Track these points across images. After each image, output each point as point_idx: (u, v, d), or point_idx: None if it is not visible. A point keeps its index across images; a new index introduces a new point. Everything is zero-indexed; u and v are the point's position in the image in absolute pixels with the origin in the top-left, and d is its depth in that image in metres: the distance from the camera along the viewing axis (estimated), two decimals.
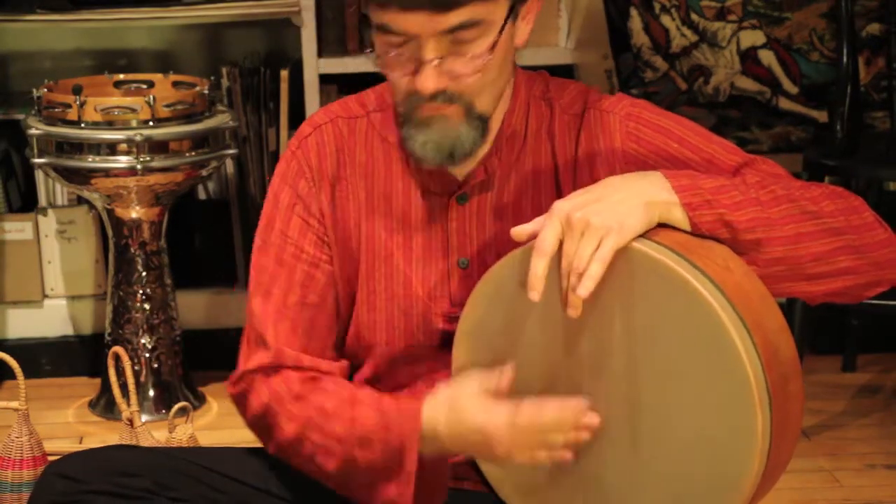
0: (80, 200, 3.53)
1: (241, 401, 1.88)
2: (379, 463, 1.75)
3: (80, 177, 3.18)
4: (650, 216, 1.63)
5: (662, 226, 1.65)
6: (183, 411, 2.69)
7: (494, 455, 1.70)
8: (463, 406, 1.70)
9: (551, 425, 1.67)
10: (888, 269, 1.74)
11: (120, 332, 3.32)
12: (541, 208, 1.77)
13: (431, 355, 1.85)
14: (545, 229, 1.62)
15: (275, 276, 1.86)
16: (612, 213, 1.61)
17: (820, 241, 1.69)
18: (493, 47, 1.71)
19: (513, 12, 1.73)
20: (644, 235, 1.62)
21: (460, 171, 1.84)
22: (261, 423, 1.86)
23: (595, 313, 1.64)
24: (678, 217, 1.65)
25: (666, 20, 3.56)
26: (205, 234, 3.64)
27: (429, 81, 1.71)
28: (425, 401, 1.73)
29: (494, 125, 1.83)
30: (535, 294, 1.62)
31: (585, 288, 1.59)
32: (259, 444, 1.97)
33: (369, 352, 1.89)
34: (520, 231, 1.66)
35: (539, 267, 1.61)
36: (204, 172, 3.26)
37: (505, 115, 1.83)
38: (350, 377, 1.91)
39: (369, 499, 1.79)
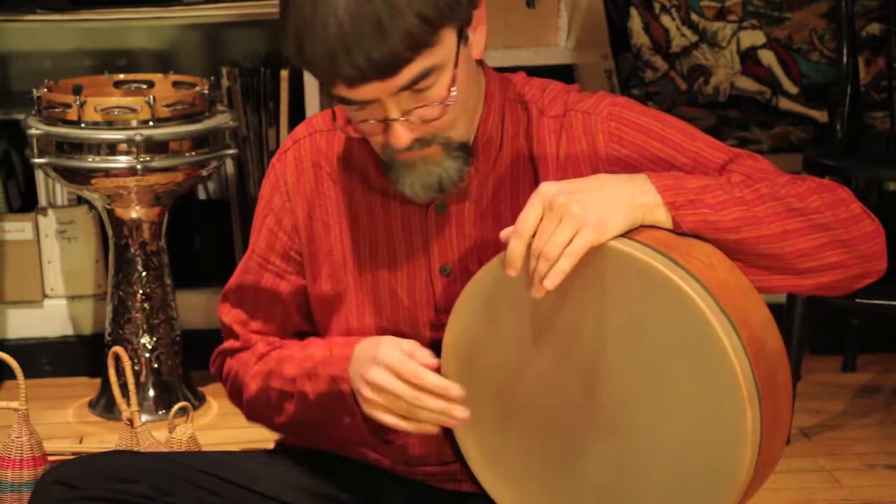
0: (80, 200, 3.53)
1: (218, 375, 2.01)
2: (326, 394, 1.81)
3: (80, 177, 3.18)
4: (632, 218, 1.63)
5: (646, 227, 1.65)
6: (183, 411, 2.69)
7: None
8: (383, 342, 1.76)
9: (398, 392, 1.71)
10: (876, 261, 1.73)
11: (120, 332, 3.32)
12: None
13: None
14: (526, 209, 1.62)
15: (242, 283, 1.95)
16: (594, 208, 1.60)
17: (807, 237, 1.68)
18: (452, 84, 1.70)
19: (461, 37, 1.71)
20: (626, 235, 1.62)
21: None
22: (233, 390, 1.97)
23: (580, 314, 1.64)
24: (661, 217, 1.65)
25: (666, 20, 3.56)
26: (205, 234, 3.64)
27: (401, 138, 1.71)
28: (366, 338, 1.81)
29: (475, 150, 1.82)
30: (513, 271, 1.62)
31: (552, 281, 1.59)
32: (256, 447, 1.98)
33: None
34: (507, 233, 1.66)
35: (517, 247, 1.62)
36: (204, 172, 3.26)
37: (479, 122, 1.82)
38: None
39: (334, 432, 1.85)
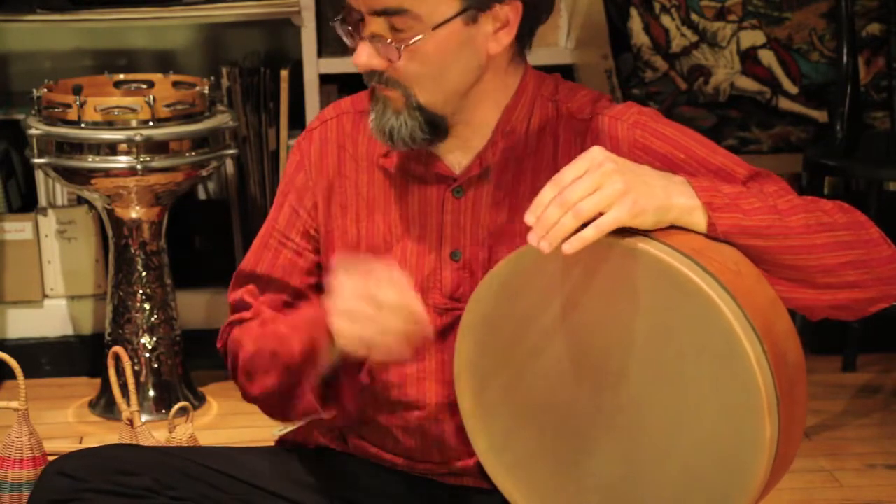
0: (80, 200, 3.53)
1: (224, 349, 1.95)
2: (306, 349, 1.76)
3: (80, 177, 3.18)
4: (666, 214, 1.63)
5: (676, 228, 1.65)
6: (183, 411, 2.69)
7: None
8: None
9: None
10: (892, 286, 1.75)
11: (120, 332, 3.32)
12: None
13: (423, 346, 1.85)
14: (572, 164, 1.63)
15: (260, 258, 1.94)
16: (636, 189, 1.60)
17: (833, 252, 1.69)
18: (413, 41, 1.73)
19: (465, 15, 1.73)
20: (655, 238, 1.62)
21: (458, 164, 1.84)
22: (233, 361, 1.91)
23: (604, 314, 1.64)
24: (697, 220, 1.65)
25: (666, 20, 3.56)
26: (205, 234, 3.64)
27: (360, 56, 1.76)
28: None
29: (488, 121, 1.83)
30: (532, 217, 1.61)
31: (572, 246, 1.58)
32: (260, 444, 1.97)
33: None
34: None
35: (548, 194, 1.61)
36: (204, 172, 3.26)
37: (504, 109, 1.83)
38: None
39: (313, 389, 1.79)
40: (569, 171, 1.62)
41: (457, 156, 1.84)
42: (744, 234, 1.66)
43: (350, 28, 1.77)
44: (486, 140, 1.83)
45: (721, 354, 1.57)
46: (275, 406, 1.89)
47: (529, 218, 1.61)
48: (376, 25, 1.74)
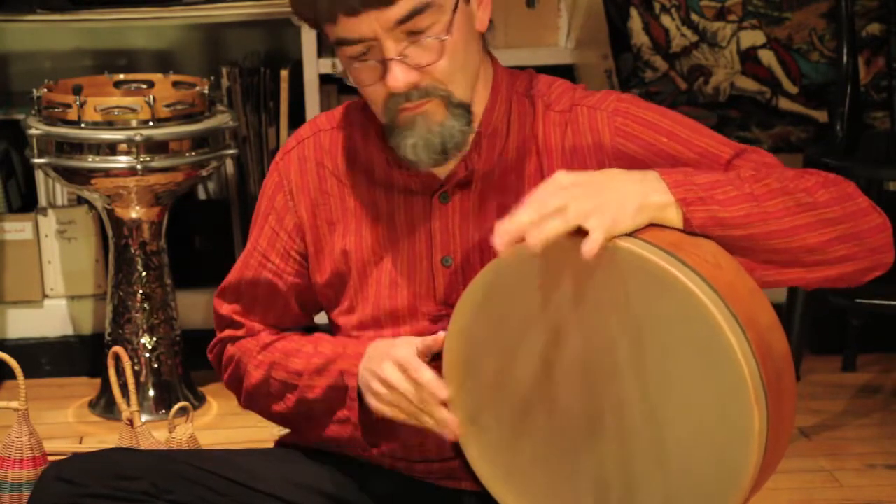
0: (80, 200, 3.53)
1: (216, 361, 2.02)
2: (330, 387, 1.83)
3: (80, 177, 3.18)
4: (642, 217, 1.63)
5: (654, 225, 1.65)
6: (183, 411, 2.69)
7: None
8: (398, 342, 1.78)
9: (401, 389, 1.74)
10: (884, 254, 1.74)
11: (120, 332, 3.32)
12: None
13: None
14: (539, 191, 1.62)
15: (241, 279, 1.96)
16: (607, 204, 1.60)
17: (817, 231, 1.68)
18: (449, 27, 1.72)
19: None
20: (634, 235, 1.62)
21: (442, 170, 1.84)
22: (233, 377, 1.98)
23: (587, 313, 1.64)
24: (672, 216, 1.65)
25: (666, 20, 3.56)
26: (205, 234, 3.64)
27: (399, 79, 1.72)
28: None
29: (475, 118, 1.82)
30: (504, 234, 1.61)
31: (535, 238, 1.58)
32: (259, 445, 1.97)
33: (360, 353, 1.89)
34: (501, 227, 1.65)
35: (524, 214, 1.61)
36: (204, 172, 3.26)
37: (484, 112, 1.83)
38: None
39: (326, 425, 1.86)
40: (538, 195, 1.62)
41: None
42: (720, 225, 1.66)
43: (369, 61, 1.73)
44: (469, 144, 1.82)
45: (705, 347, 1.57)
46: (285, 426, 1.96)
47: (496, 240, 1.61)
48: (399, 40, 1.71)
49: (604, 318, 1.64)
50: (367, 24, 1.69)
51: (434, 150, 1.77)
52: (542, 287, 1.65)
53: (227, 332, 1.99)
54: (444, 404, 1.73)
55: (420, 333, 1.84)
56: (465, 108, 1.78)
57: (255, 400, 1.96)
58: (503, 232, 1.61)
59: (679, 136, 1.79)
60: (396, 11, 1.69)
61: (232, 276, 1.98)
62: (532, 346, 1.69)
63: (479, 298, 1.71)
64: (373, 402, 1.77)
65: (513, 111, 1.84)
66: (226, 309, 1.98)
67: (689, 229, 1.65)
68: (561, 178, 1.63)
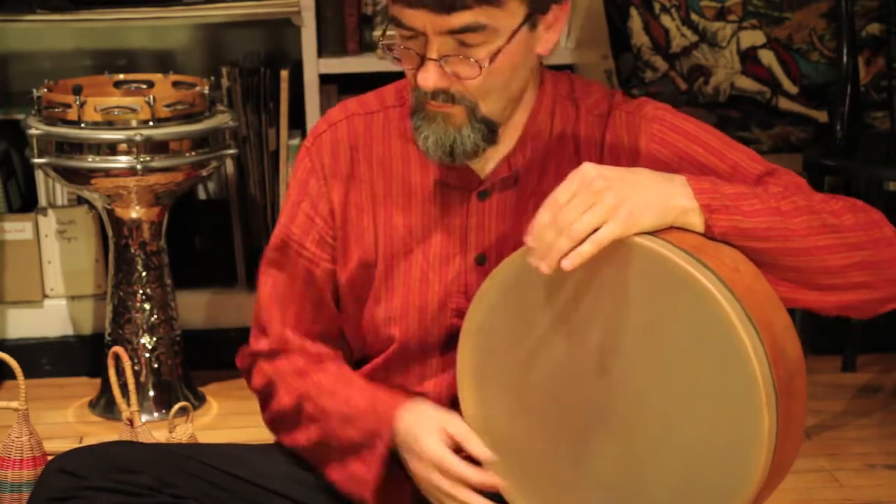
0: (80, 200, 3.53)
1: (246, 374, 1.99)
2: (356, 441, 1.82)
3: (80, 177, 3.18)
4: (664, 218, 1.64)
5: (676, 228, 1.65)
6: (183, 411, 2.69)
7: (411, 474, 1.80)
8: (425, 428, 1.77)
9: (442, 489, 1.74)
10: None
11: (120, 332, 3.32)
12: None
13: (442, 352, 1.86)
14: (563, 184, 1.64)
15: (279, 268, 1.92)
16: (628, 201, 1.62)
17: (838, 254, 1.69)
18: (495, 55, 1.72)
19: (529, 21, 1.73)
20: (654, 234, 1.62)
21: (482, 168, 1.84)
22: (262, 393, 1.94)
23: (602, 309, 1.65)
24: (695, 221, 1.66)
25: (666, 20, 3.56)
26: (205, 234, 3.64)
27: (429, 79, 1.73)
28: (410, 403, 1.80)
29: (517, 123, 1.83)
30: (531, 240, 1.64)
31: (571, 262, 1.61)
32: (259, 442, 1.97)
33: (383, 346, 1.90)
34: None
35: (544, 217, 1.63)
36: (204, 172, 3.26)
37: (530, 113, 1.84)
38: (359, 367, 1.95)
39: (337, 472, 1.86)
40: (562, 192, 1.64)
41: (481, 159, 1.83)
42: (742, 236, 1.66)
43: (412, 50, 1.73)
44: (513, 143, 1.83)
45: (718, 347, 1.57)
46: (299, 453, 1.93)
47: (529, 240, 1.64)
48: (445, 44, 1.71)
49: (619, 315, 1.64)
50: (420, 20, 1.70)
51: (443, 150, 1.77)
52: (559, 282, 1.66)
53: (260, 346, 1.94)
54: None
55: (444, 328, 1.85)
56: (489, 125, 1.78)
57: (278, 424, 1.94)
58: (536, 250, 1.63)
59: (713, 147, 1.81)
60: (451, 22, 1.69)
61: (267, 279, 1.93)
62: (545, 343, 1.70)
63: (494, 296, 1.72)
64: (422, 489, 1.79)
65: (556, 114, 1.85)
66: (266, 299, 1.92)
67: (710, 236, 1.66)
68: (588, 170, 1.64)
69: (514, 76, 1.77)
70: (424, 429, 1.77)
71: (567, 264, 1.60)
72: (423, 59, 1.73)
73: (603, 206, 1.61)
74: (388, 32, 1.78)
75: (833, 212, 1.71)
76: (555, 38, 1.79)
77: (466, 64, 1.72)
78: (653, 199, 1.63)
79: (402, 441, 1.79)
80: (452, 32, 1.70)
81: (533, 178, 1.84)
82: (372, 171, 1.88)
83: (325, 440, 1.86)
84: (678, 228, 1.65)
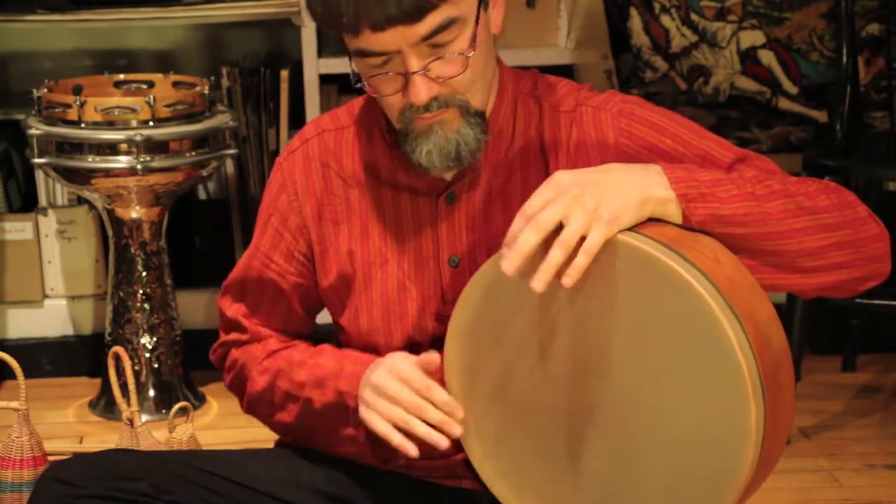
0: (80, 200, 3.53)
1: (220, 363, 2.02)
2: (331, 405, 1.83)
3: (80, 177, 3.18)
4: (643, 211, 1.64)
5: (653, 220, 1.65)
6: (183, 411, 2.69)
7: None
8: (397, 357, 1.79)
9: (404, 401, 1.73)
10: (881, 263, 1.75)
11: (120, 332, 3.32)
12: None
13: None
14: (537, 193, 1.63)
15: (245, 278, 1.96)
16: (606, 201, 1.61)
17: (815, 236, 1.69)
18: (473, 41, 1.72)
19: (483, 1, 1.74)
20: (633, 229, 1.62)
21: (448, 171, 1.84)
22: (236, 380, 1.98)
23: (586, 307, 1.65)
24: (672, 211, 1.66)
25: (666, 20, 3.56)
26: (205, 234, 3.64)
27: (421, 92, 1.72)
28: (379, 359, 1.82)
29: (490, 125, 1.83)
30: (506, 249, 1.62)
31: (571, 279, 1.59)
32: (260, 445, 1.97)
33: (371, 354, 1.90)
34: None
35: (517, 226, 1.62)
36: (204, 172, 3.26)
37: (490, 113, 1.83)
38: None
39: (333, 442, 1.87)
40: (535, 199, 1.62)
41: None
42: (720, 223, 1.66)
43: (392, 72, 1.72)
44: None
45: (703, 340, 1.58)
46: (287, 436, 1.96)
47: (504, 250, 1.62)
48: (421, 54, 1.71)
49: (602, 312, 1.64)
50: (391, 39, 1.69)
51: (448, 157, 1.77)
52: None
53: (233, 336, 1.98)
54: (461, 422, 1.73)
55: (427, 334, 1.86)
56: (481, 116, 1.78)
57: (258, 407, 1.96)
58: (511, 256, 1.61)
59: (682, 138, 1.80)
60: (423, 28, 1.68)
61: (235, 274, 1.98)
62: (531, 343, 1.70)
63: (477, 298, 1.71)
64: (363, 413, 1.77)
65: (518, 112, 1.85)
66: (232, 311, 1.98)
67: (688, 225, 1.66)
68: (560, 177, 1.63)
69: (489, 60, 1.77)
70: (396, 357, 1.78)
71: (568, 282, 1.59)
72: (406, 77, 1.72)
73: (584, 211, 1.59)
74: (355, 69, 1.76)
75: (807, 194, 1.71)
76: (501, 15, 1.80)
77: (449, 63, 1.72)
78: (630, 194, 1.63)
79: (366, 377, 1.79)
80: (424, 39, 1.69)
81: (499, 179, 1.84)
82: (345, 185, 1.89)
83: (304, 412, 1.88)
84: (656, 220, 1.65)
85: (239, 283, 1.97)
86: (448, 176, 1.84)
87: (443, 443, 1.72)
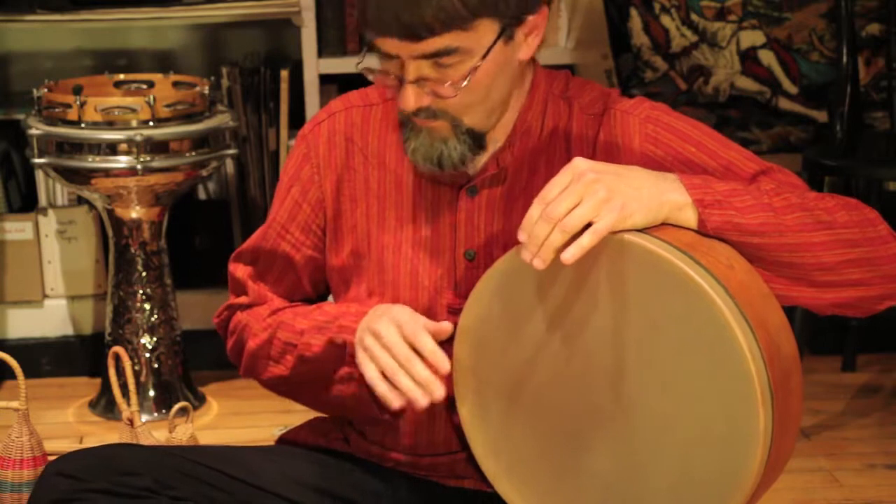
0: (80, 200, 3.53)
1: (223, 327, 2.01)
2: (329, 345, 1.82)
3: (80, 177, 3.18)
4: (656, 213, 1.64)
5: (669, 225, 1.65)
6: (183, 411, 2.69)
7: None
8: (394, 306, 1.79)
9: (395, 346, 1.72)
10: None
11: (120, 332, 3.32)
12: None
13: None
14: (555, 178, 1.64)
15: (259, 246, 1.95)
16: (620, 193, 1.62)
17: (832, 251, 1.69)
18: (470, 73, 1.72)
19: (504, 34, 1.73)
20: (647, 232, 1.62)
21: (472, 164, 1.84)
22: (237, 343, 1.96)
23: (597, 308, 1.65)
24: (688, 217, 1.66)
25: (666, 20, 3.56)
26: (205, 234, 3.64)
27: (409, 101, 1.74)
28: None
29: (507, 122, 1.83)
30: (524, 235, 1.63)
31: (572, 255, 1.60)
32: (259, 442, 1.97)
33: None
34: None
35: (536, 212, 1.63)
36: (204, 172, 3.26)
37: (520, 110, 1.84)
38: None
39: (328, 386, 1.85)
40: (553, 186, 1.64)
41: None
42: (735, 231, 1.66)
43: (391, 73, 1.74)
44: (502, 141, 1.83)
45: (713, 345, 1.58)
46: (287, 392, 1.95)
47: (521, 236, 1.63)
48: (421, 68, 1.72)
49: (614, 314, 1.64)
50: (393, 46, 1.71)
51: (430, 161, 1.79)
52: (553, 281, 1.66)
53: (238, 299, 1.98)
54: (443, 379, 1.71)
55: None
56: (474, 135, 1.79)
57: (255, 364, 1.94)
58: (527, 244, 1.62)
59: (706, 147, 1.81)
60: (422, 48, 1.70)
61: (250, 242, 1.98)
62: (540, 342, 1.70)
63: (492, 289, 1.71)
64: (357, 356, 1.76)
65: (548, 111, 1.85)
66: (241, 271, 1.98)
67: (703, 231, 1.66)
68: (578, 163, 1.65)
69: (494, 88, 1.77)
70: (400, 308, 1.77)
71: (568, 257, 1.60)
72: (401, 82, 1.73)
73: (595, 198, 1.60)
74: (367, 57, 1.78)
75: (826, 209, 1.71)
76: (537, 42, 1.79)
77: (441, 84, 1.73)
78: (645, 193, 1.63)
79: (368, 316, 1.78)
80: (427, 56, 1.71)
81: (523, 176, 1.85)
82: (366, 163, 1.89)
83: (301, 358, 1.86)
84: (672, 225, 1.65)
85: (252, 250, 1.97)
86: (472, 169, 1.84)
87: (421, 401, 1.70)
